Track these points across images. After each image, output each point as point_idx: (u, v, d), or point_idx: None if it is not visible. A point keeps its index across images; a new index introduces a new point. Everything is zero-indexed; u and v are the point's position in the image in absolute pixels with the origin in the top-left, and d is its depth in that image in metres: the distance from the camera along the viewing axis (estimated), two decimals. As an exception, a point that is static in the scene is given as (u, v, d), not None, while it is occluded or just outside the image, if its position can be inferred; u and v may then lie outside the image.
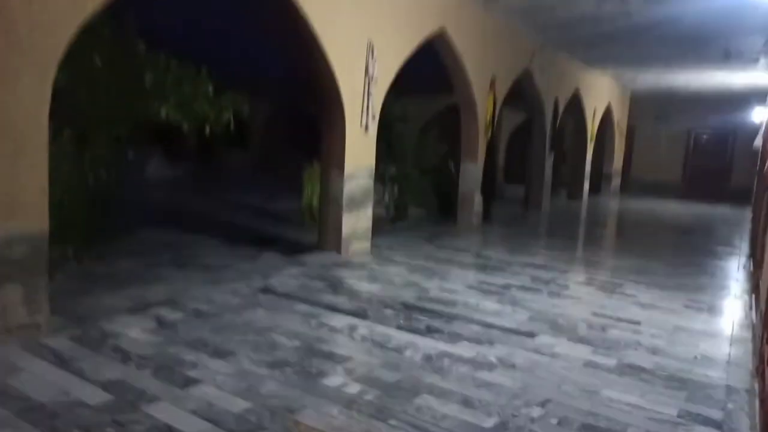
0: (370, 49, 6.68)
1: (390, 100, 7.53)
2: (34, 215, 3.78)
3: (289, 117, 22.56)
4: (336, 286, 5.45)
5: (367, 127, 6.85)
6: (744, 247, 9.43)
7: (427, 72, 10.32)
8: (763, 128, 13.79)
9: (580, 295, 5.73)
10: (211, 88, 5.74)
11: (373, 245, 7.30)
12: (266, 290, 5.19)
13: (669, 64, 13.26)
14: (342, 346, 3.99)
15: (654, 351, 4.22)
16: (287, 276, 5.74)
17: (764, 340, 3.61)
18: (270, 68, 12.77)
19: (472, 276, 6.23)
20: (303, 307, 4.76)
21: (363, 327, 4.37)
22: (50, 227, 5.58)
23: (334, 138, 6.67)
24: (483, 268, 6.66)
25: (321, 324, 4.38)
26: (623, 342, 4.37)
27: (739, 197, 17.41)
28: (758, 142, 14.26)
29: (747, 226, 12.02)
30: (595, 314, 5.05)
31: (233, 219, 9.88)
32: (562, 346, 4.21)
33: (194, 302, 4.73)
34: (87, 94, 5.11)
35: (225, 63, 8.91)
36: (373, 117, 6.90)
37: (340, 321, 4.48)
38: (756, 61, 11.63)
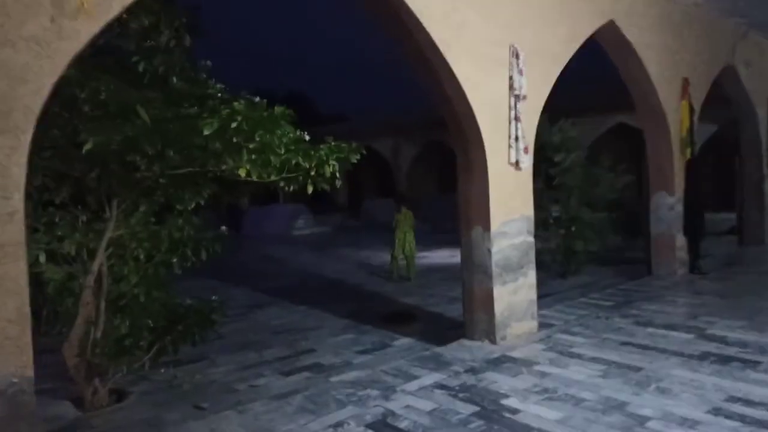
0: (515, 57, 4.84)
1: (542, 125, 5.59)
2: (6, 352, 2.47)
3: (438, 155, 21.11)
4: (490, 415, 3.51)
5: (518, 163, 4.94)
6: None
7: (584, 85, 8.24)
8: None
9: None
10: (305, 135, 4.29)
11: (540, 324, 5.26)
12: (383, 427, 3.43)
13: None
14: None
15: None
16: (417, 390, 3.94)
17: None
18: (418, 102, 11.46)
19: (709, 381, 3.89)
20: (435, 469, 2.91)
21: None
22: (123, 329, 4.54)
23: (472, 182, 4.87)
24: (723, 362, 4.26)
25: None
26: None
27: None
28: None
29: None
30: None
31: (369, 284, 8.42)
32: None
33: (272, 455, 3.13)
34: (142, 158, 3.92)
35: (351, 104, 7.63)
36: (526, 149, 4.98)
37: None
38: None
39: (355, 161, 4.46)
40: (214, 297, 4.83)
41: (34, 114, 2.48)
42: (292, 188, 4.39)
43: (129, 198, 4.43)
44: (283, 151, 3.96)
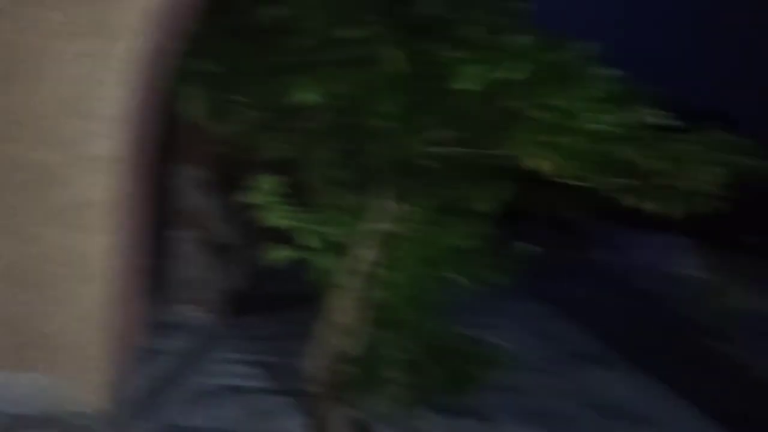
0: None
1: None
2: (82, 367, 1.65)
3: None
4: None
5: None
6: None
7: None
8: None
9: None
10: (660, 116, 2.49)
11: None
12: None
13: None
14: None
15: None
16: None
17: None
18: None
19: None
20: None
21: None
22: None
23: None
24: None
25: None
26: None
27: None
28: None
29: None
30: None
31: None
32: None
33: None
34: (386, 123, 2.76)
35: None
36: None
37: None
38: None
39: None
40: (500, 341, 3.39)
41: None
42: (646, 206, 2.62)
43: (406, 185, 3.41)
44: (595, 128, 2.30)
